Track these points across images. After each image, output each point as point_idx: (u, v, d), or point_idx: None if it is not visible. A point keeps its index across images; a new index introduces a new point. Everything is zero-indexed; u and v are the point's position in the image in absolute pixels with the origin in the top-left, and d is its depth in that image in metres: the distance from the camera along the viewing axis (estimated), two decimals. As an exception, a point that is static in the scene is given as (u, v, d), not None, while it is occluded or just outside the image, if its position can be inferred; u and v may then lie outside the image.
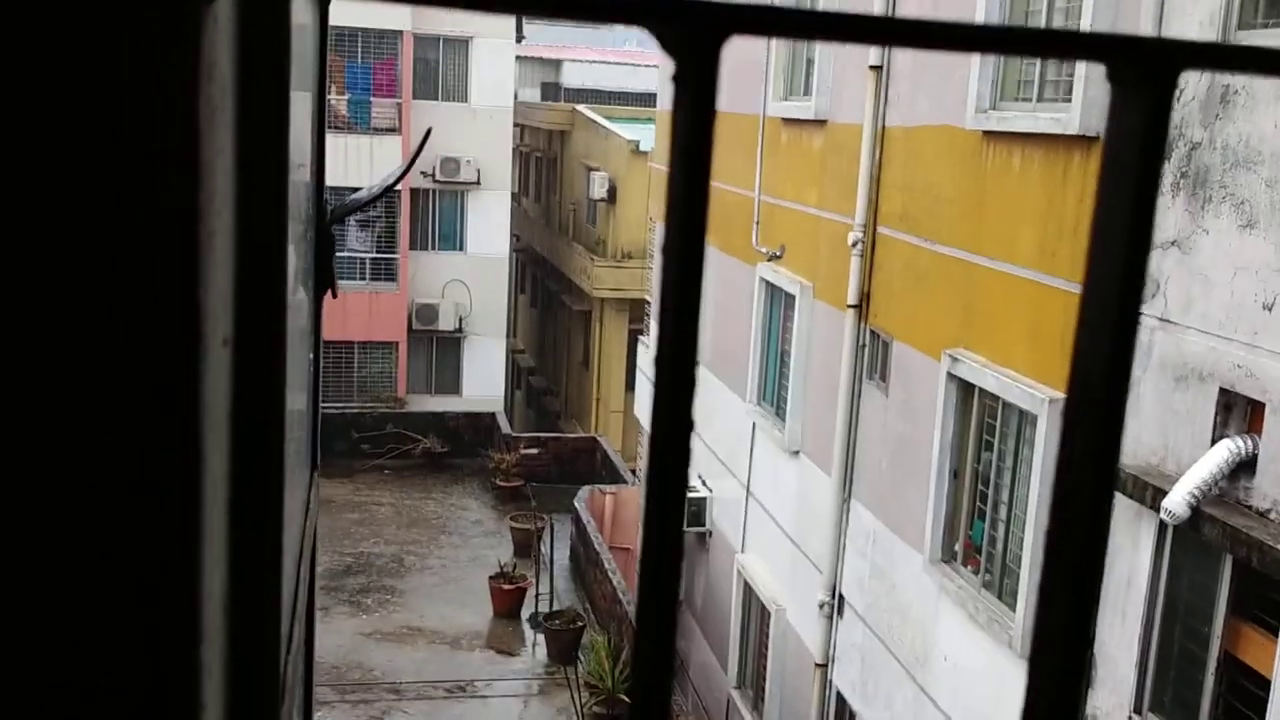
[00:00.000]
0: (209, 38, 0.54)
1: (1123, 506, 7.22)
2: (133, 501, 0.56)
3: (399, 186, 26.17)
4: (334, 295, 1.67)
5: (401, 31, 26.38)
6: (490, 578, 18.77)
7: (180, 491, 0.56)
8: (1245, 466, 6.31)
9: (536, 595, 18.35)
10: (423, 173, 26.99)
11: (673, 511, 0.56)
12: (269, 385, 0.76)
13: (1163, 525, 6.81)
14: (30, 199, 0.52)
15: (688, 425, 0.57)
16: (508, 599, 18.46)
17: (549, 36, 48.75)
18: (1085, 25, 7.68)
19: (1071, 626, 0.59)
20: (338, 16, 28.49)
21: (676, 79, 0.53)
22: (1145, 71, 0.56)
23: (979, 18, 8.93)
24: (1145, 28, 7.09)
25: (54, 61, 0.50)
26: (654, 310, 19.24)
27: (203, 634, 0.61)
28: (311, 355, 1.63)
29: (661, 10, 0.51)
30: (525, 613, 18.51)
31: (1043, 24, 8.50)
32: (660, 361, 0.56)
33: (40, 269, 0.53)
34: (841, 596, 11.58)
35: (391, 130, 26.56)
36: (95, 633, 0.58)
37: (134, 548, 0.57)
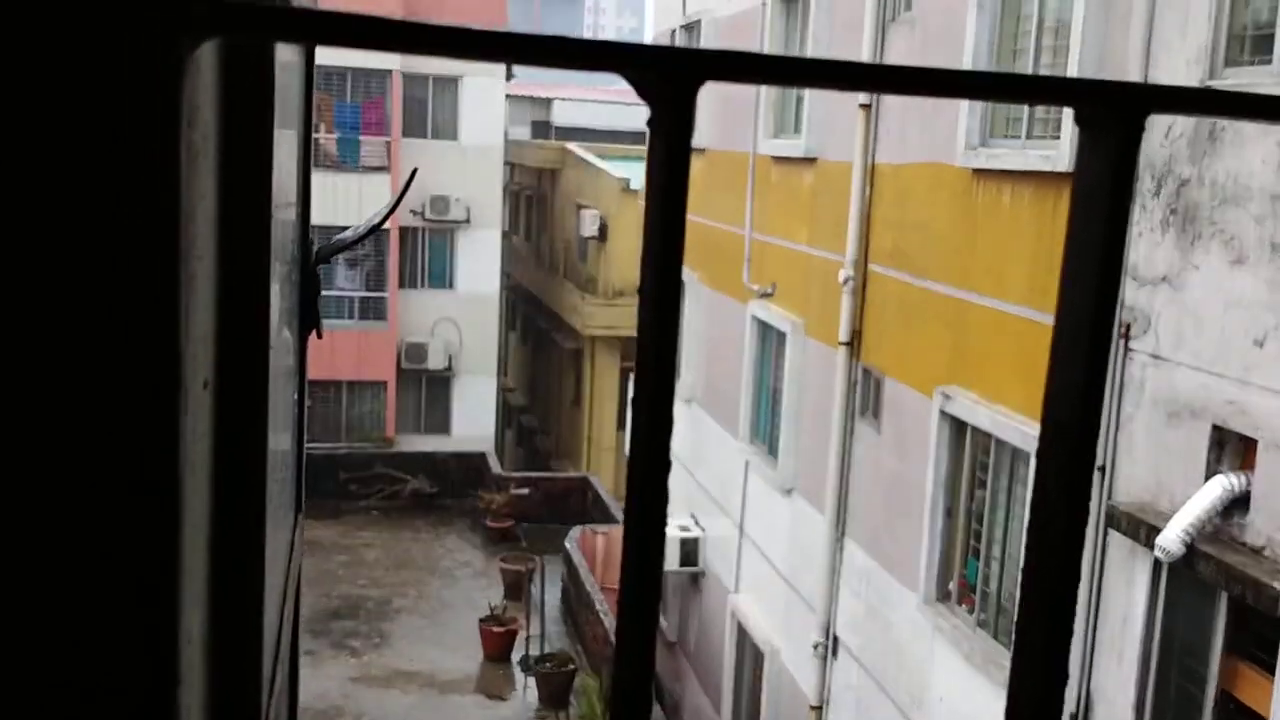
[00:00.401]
0: (191, 84, 0.55)
1: (1117, 544, 7.21)
2: (109, 543, 0.56)
3: (387, 225, 26.23)
4: (319, 336, 1.67)
5: (391, 70, 26.52)
6: (480, 620, 18.64)
7: (157, 533, 0.56)
8: (1239, 503, 6.31)
9: (527, 638, 18.22)
10: (412, 211, 27.06)
11: (652, 548, 0.56)
12: (251, 427, 0.76)
13: (1158, 563, 6.80)
14: (10, 242, 0.52)
15: (665, 462, 0.57)
16: (498, 642, 18.32)
17: (539, 75, 49.02)
18: (1073, 61, 7.75)
19: (1049, 655, 0.59)
20: (326, 56, 28.45)
21: (651, 124, 0.54)
22: (1112, 115, 0.57)
23: (967, 54, 9.02)
24: (1133, 64, 7.16)
25: (34, 110, 0.51)
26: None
27: (181, 676, 0.61)
28: (296, 396, 1.63)
29: (636, 58, 0.52)
30: (516, 656, 18.37)
31: (1030, 61, 8.58)
32: (638, 401, 0.56)
33: (17, 313, 0.53)
34: (836, 637, 11.52)
35: (381, 169, 26.66)
36: (68, 676, 0.58)
37: (109, 589, 0.57)
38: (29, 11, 0.51)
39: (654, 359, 0.55)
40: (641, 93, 0.53)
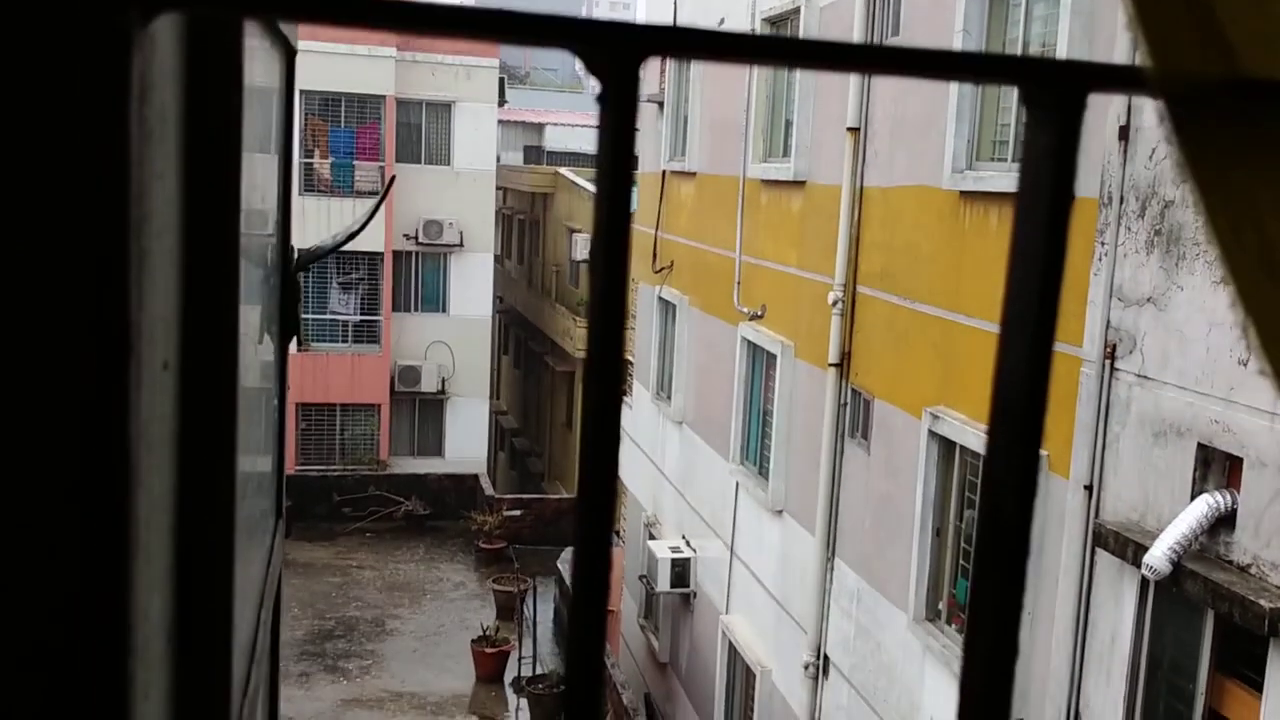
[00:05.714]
0: (143, 60, 0.55)
1: (1105, 563, 7.22)
2: (59, 516, 0.56)
3: (381, 249, 26.27)
4: (300, 343, 1.68)
5: (385, 96, 26.62)
6: (473, 641, 18.60)
7: (110, 513, 0.56)
8: (1225, 521, 6.33)
9: (520, 659, 18.18)
10: (405, 235, 27.12)
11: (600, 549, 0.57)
12: (218, 409, 0.77)
13: (1145, 582, 6.81)
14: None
15: (612, 479, 0.58)
16: (491, 663, 18.27)
17: (532, 101, 49.23)
18: (1062, 45, 7.78)
19: (1000, 643, 0.60)
20: (320, 82, 28.27)
21: (600, 98, 0.55)
22: (1056, 92, 0.58)
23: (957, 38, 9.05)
24: (1120, 49, 7.17)
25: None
26: (634, 367, 19.07)
27: (133, 648, 0.61)
28: (277, 401, 1.63)
29: (583, 33, 0.54)
30: (509, 677, 18.32)
31: (1020, 44, 8.61)
32: (589, 376, 0.57)
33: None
34: (826, 657, 11.50)
35: (375, 193, 26.71)
36: (13, 654, 0.58)
37: (59, 565, 0.58)
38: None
39: (601, 347, 0.56)
40: (589, 67, 0.55)
